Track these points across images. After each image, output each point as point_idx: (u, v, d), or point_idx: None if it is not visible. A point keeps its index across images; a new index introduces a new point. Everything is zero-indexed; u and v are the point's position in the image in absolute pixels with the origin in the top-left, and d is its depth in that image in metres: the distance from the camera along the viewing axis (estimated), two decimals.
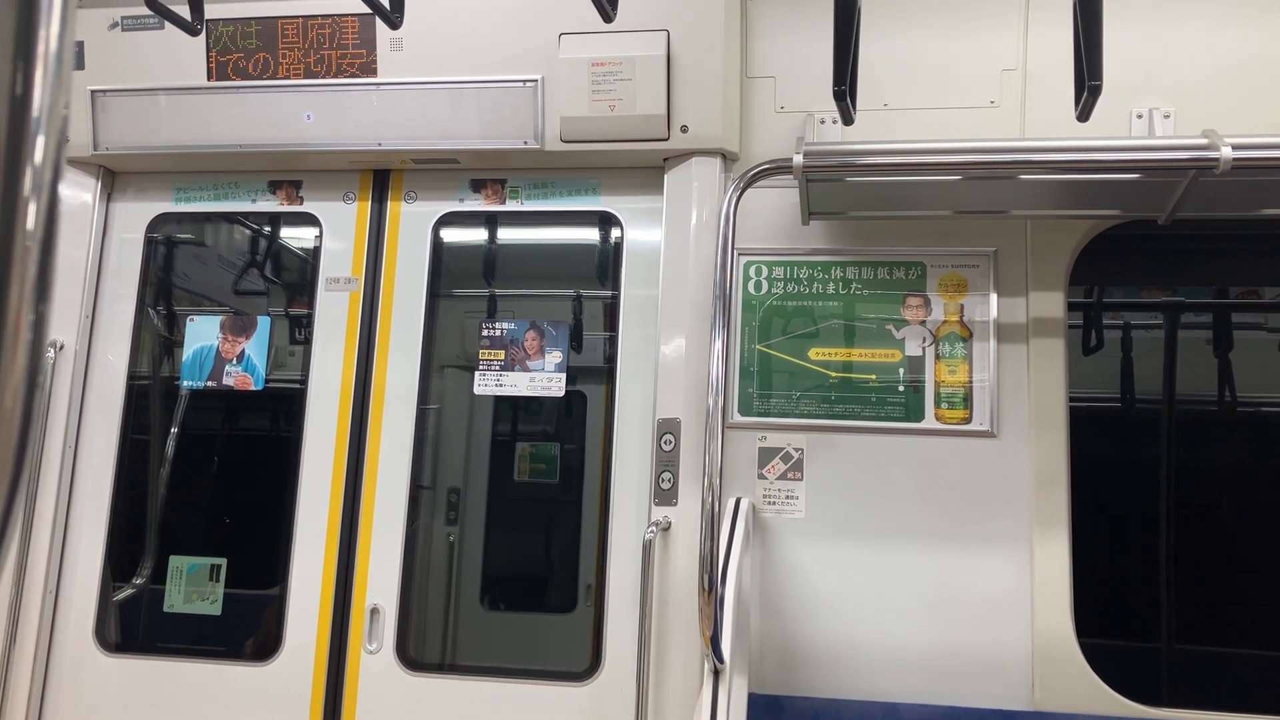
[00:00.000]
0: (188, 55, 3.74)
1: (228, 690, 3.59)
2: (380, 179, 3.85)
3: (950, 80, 3.46)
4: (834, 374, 3.39)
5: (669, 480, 3.35)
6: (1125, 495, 4.62)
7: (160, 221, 3.99)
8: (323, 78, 3.68)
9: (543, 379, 3.65)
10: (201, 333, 3.89)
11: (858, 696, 3.19)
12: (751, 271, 3.49)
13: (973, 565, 3.22)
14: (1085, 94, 2.55)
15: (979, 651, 3.17)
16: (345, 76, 3.67)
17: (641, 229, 3.66)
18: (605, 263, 3.80)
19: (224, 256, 4.17)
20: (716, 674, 2.78)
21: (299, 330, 3.93)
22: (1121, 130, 3.31)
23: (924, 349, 3.37)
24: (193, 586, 3.78)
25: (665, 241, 3.52)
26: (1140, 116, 3.32)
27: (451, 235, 3.88)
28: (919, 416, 3.32)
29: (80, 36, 3.81)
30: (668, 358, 3.43)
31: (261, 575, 3.76)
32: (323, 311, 3.78)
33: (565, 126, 3.53)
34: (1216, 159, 2.74)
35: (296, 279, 4.07)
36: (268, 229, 4.15)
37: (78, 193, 3.88)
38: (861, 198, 3.34)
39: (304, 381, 3.75)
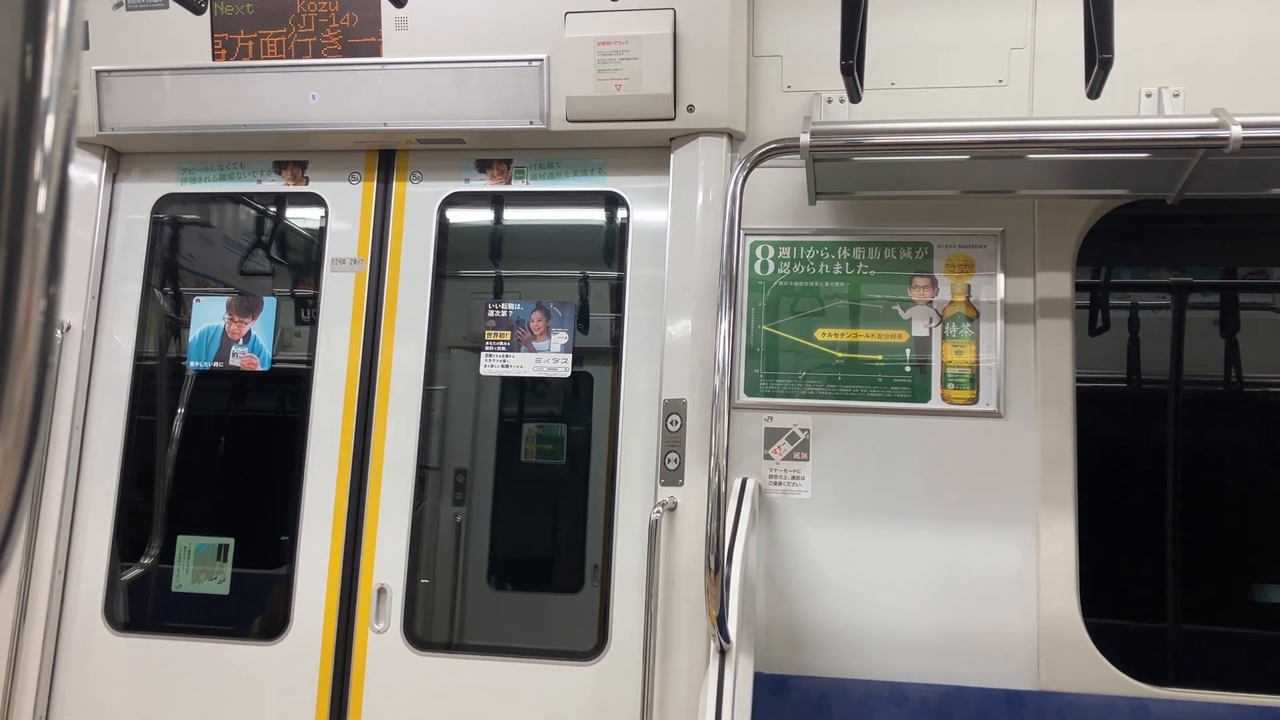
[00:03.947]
0: (192, 35, 3.72)
1: (235, 669, 3.61)
2: (385, 159, 3.85)
3: (958, 59, 3.44)
4: (840, 354, 3.39)
5: (675, 461, 3.36)
6: (1131, 476, 4.62)
7: (166, 202, 3.98)
8: (328, 57, 3.67)
9: (549, 360, 3.65)
10: (207, 313, 3.89)
11: (863, 676, 3.20)
12: (758, 252, 3.48)
13: (979, 546, 3.22)
14: (1096, 68, 2.53)
15: (985, 632, 3.18)
16: (350, 56, 3.65)
17: (647, 209, 3.65)
18: (611, 243, 3.80)
19: (229, 237, 4.17)
20: (722, 653, 2.79)
21: (305, 311, 3.93)
22: (1130, 109, 3.29)
23: (930, 329, 3.36)
24: (200, 566, 3.80)
25: (671, 222, 3.52)
26: (1149, 95, 3.30)
27: (457, 216, 3.87)
28: (925, 397, 3.32)
29: (86, 16, 3.79)
30: (674, 338, 3.43)
31: (269, 555, 3.78)
32: (328, 292, 3.78)
33: (571, 106, 3.52)
34: (1226, 138, 2.73)
35: (302, 260, 4.07)
36: (273, 209, 4.15)
37: (83, 173, 3.88)
38: (868, 177, 3.33)
39: (310, 362, 3.75)
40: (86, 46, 3.78)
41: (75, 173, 3.72)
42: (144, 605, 3.85)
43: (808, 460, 3.35)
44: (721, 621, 2.71)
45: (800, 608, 3.28)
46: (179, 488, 3.95)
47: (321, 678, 3.56)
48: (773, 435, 3.38)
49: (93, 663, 3.69)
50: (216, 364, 3.86)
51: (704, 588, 2.71)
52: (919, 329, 3.37)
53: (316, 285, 3.81)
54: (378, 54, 3.64)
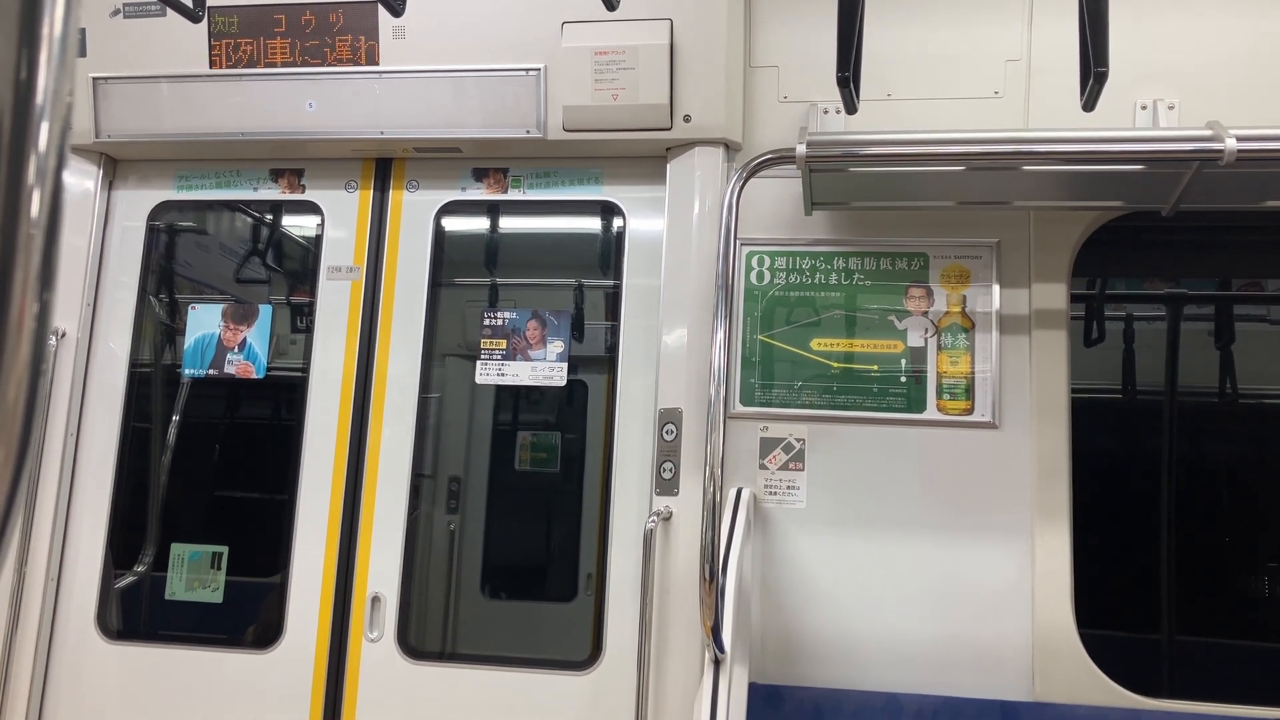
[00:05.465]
0: (190, 42, 3.73)
1: (229, 678, 3.60)
2: (382, 167, 3.85)
3: (954, 70, 3.45)
4: (836, 364, 3.39)
5: (670, 470, 3.35)
6: (1126, 487, 4.62)
7: (162, 209, 3.98)
8: (325, 66, 3.67)
9: (544, 368, 3.65)
10: (203, 321, 3.89)
11: (858, 687, 3.20)
12: (754, 261, 3.49)
13: (974, 556, 3.22)
14: (1091, 81, 2.54)
15: (980, 642, 3.18)
16: (347, 64, 3.66)
17: (644, 218, 3.66)
18: (607, 252, 3.80)
19: (226, 245, 4.16)
20: (717, 664, 2.78)
21: (300, 319, 3.93)
22: (1125, 121, 3.31)
23: (926, 340, 3.36)
24: (194, 574, 3.79)
25: (668, 231, 3.52)
26: (1144, 108, 3.32)
27: (453, 224, 3.87)
28: (921, 407, 3.32)
29: (82, 23, 3.79)
30: (669, 347, 3.43)
31: (263, 563, 3.76)
32: (324, 300, 3.78)
33: (568, 115, 3.52)
34: (1220, 150, 2.73)
35: (298, 267, 4.06)
36: (269, 217, 4.15)
37: (79, 180, 3.88)
38: (864, 188, 3.33)
39: (305, 370, 3.75)
40: (84, 54, 3.78)
41: (71, 179, 3.72)
42: (137, 613, 3.84)
43: (803, 470, 3.35)
44: (716, 632, 2.71)
45: (795, 618, 3.28)
46: (173, 495, 3.94)
47: (315, 686, 3.54)
48: (768, 445, 3.38)
49: (86, 671, 3.67)
50: (212, 371, 3.86)
51: (699, 598, 2.71)
52: (914, 339, 3.37)
53: (312, 293, 3.81)
54: (375, 62, 3.64)
